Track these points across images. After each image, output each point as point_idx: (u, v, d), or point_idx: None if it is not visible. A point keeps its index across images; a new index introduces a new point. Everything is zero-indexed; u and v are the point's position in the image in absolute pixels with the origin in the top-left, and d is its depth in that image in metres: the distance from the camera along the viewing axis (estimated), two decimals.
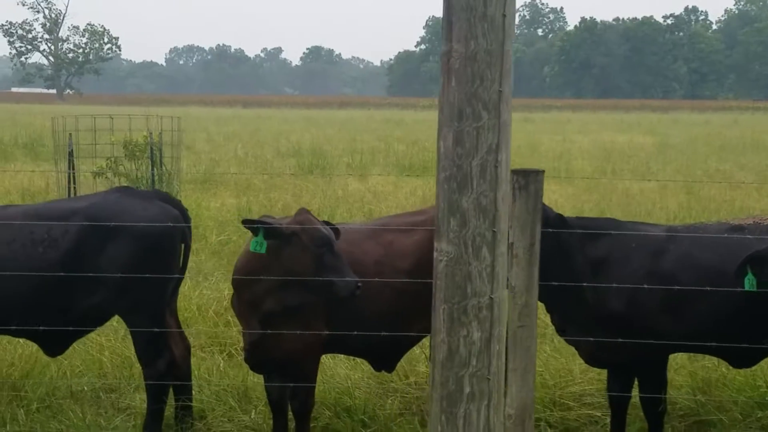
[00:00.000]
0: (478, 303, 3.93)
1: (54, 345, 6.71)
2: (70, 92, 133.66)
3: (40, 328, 6.40)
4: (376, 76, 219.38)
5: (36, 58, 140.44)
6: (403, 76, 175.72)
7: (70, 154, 14.41)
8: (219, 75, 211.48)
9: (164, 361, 6.57)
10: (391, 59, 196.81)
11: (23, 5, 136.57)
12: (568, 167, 23.60)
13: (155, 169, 14.39)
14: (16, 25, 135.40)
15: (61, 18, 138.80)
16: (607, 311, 6.10)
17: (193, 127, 41.10)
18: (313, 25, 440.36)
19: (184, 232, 6.70)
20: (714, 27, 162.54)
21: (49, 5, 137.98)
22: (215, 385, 7.41)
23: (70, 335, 6.64)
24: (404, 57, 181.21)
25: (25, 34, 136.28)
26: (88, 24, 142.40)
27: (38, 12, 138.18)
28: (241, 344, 8.53)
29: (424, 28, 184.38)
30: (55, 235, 6.40)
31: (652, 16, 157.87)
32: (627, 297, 6.06)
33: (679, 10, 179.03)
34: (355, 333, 6.19)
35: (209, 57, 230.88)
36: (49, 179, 19.12)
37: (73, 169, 14.30)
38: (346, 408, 7.07)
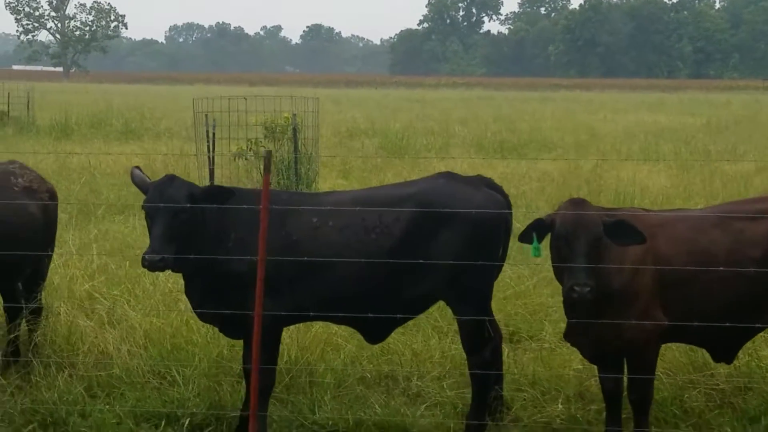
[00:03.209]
0: None
1: (377, 332, 6.59)
2: (76, 70, 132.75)
3: (369, 315, 6.28)
4: (376, 54, 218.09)
5: (42, 35, 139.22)
6: (405, 54, 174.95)
7: (212, 135, 14.24)
8: (219, 53, 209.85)
9: (489, 349, 6.46)
10: (391, 38, 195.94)
11: None
12: (658, 149, 23.37)
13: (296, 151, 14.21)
14: (23, 2, 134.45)
15: None
16: None
17: (226, 107, 40.32)
18: (313, 3, 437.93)
19: (507, 219, 6.57)
20: (718, 5, 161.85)
21: None
22: (507, 373, 7.27)
23: (395, 322, 6.52)
24: (406, 35, 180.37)
25: (32, 11, 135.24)
26: (94, 2, 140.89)
27: None
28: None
29: (426, 7, 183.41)
30: (386, 221, 6.26)
31: None
32: None
33: None
34: (699, 324, 6.10)
35: (209, 35, 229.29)
36: (150, 160, 18.88)
37: (213, 151, 14.13)
38: (655, 400, 6.94)
